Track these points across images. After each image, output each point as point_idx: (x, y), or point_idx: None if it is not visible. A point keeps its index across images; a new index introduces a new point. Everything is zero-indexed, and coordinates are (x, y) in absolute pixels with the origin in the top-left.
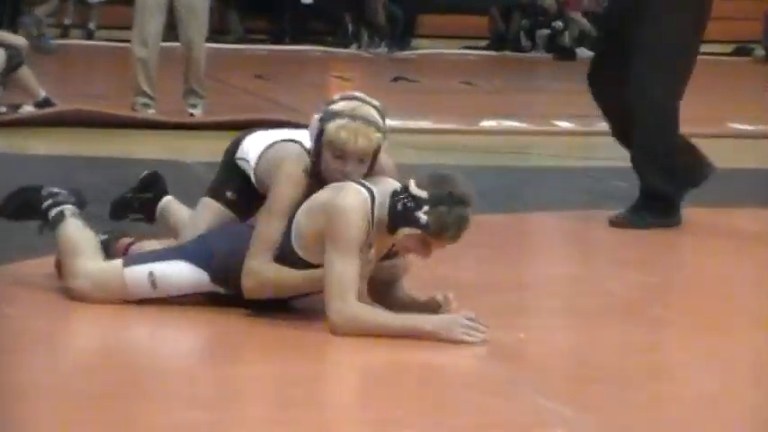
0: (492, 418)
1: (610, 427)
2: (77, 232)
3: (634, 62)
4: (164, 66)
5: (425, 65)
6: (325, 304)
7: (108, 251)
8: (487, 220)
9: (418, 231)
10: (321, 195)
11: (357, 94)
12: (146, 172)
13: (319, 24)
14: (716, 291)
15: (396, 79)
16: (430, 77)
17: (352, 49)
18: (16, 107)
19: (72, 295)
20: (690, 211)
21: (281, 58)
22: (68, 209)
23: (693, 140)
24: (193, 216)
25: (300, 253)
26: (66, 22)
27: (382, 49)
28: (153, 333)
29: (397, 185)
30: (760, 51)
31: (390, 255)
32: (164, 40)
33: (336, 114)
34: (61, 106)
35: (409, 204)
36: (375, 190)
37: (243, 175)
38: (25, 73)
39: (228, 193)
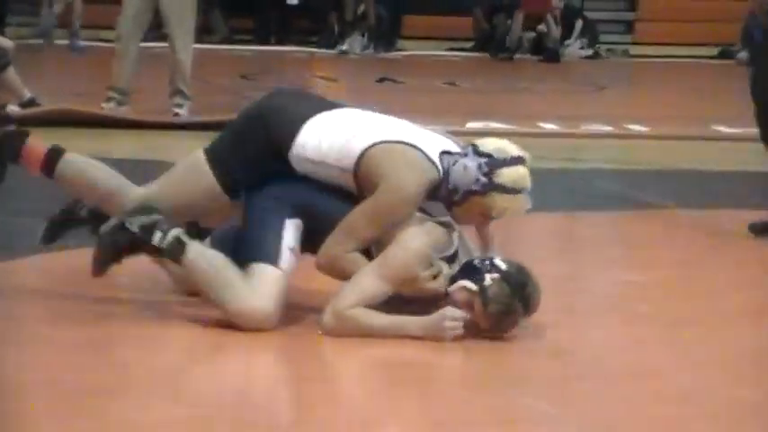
0: (475, 414)
1: (592, 423)
2: (209, 258)
3: None
4: (151, 65)
5: (411, 66)
6: (331, 301)
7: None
8: None
9: (474, 289)
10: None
11: (523, 154)
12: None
13: (305, 24)
14: (698, 289)
15: (381, 80)
16: (415, 78)
17: (338, 50)
18: (1, 107)
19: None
20: (674, 213)
21: (266, 59)
22: (177, 232)
23: (678, 142)
24: (179, 178)
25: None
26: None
27: (369, 50)
28: (144, 330)
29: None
30: (744, 54)
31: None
32: (154, 40)
33: (506, 189)
34: (47, 106)
35: (484, 265)
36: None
37: (274, 166)
38: (11, 74)
39: (239, 185)
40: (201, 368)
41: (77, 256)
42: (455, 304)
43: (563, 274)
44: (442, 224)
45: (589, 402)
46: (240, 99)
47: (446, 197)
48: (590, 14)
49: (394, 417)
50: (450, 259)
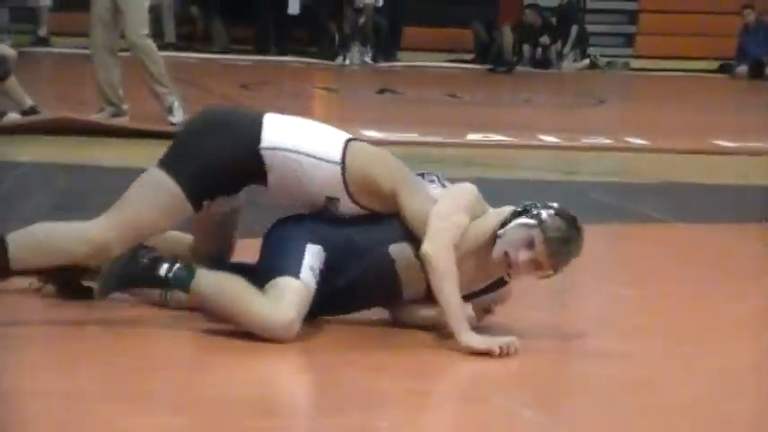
0: (467, 423)
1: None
2: (220, 280)
3: None
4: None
5: (411, 77)
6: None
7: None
8: None
9: (533, 223)
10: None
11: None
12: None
13: (304, 35)
14: (697, 303)
15: (381, 91)
16: (415, 90)
17: (338, 61)
18: (1, 115)
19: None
20: (671, 227)
21: (266, 69)
22: (181, 263)
23: (677, 156)
24: (143, 196)
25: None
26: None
27: (369, 61)
28: (139, 337)
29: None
30: (743, 68)
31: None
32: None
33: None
34: (47, 114)
35: (534, 206)
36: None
37: (250, 169)
38: (12, 83)
39: (208, 200)
40: (202, 375)
41: None
42: (512, 244)
43: (559, 287)
44: None
45: (582, 414)
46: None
47: None
48: (590, 27)
49: (384, 423)
50: None
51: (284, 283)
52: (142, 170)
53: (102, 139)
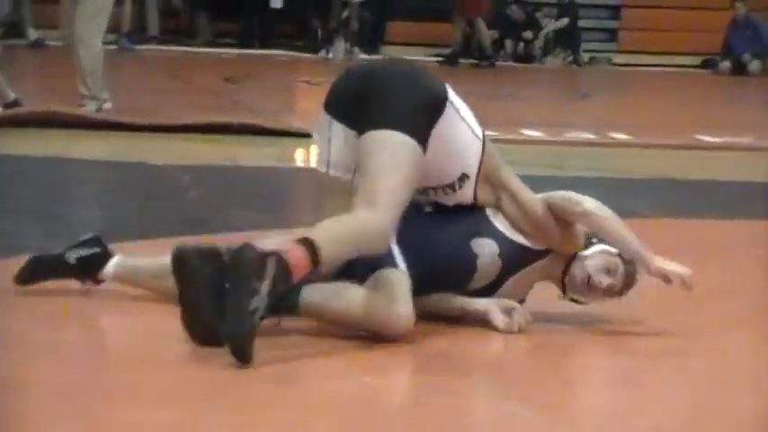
0: (450, 418)
1: (567, 429)
2: (323, 290)
3: None
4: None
5: None
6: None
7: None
8: None
9: (613, 251)
10: None
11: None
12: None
13: (288, 29)
14: (684, 299)
15: None
16: None
17: (322, 54)
18: None
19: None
20: (655, 222)
21: (249, 62)
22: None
23: (661, 151)
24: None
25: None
26: None
27: (352, 55)
28: (130, 331)
29: None
30: (726, 64)
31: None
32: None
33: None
34: (30, 107)
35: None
36: None
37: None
38: None
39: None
40: (193, 371)
41: None
42: (597, 269)
43: (543, 284)
44: None
45: (566, 409)
46: (223, 101)
47: None
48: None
49: (368, 421)
50: None
51: (388, 276)
52: (126, 163)
53: (87, 132)
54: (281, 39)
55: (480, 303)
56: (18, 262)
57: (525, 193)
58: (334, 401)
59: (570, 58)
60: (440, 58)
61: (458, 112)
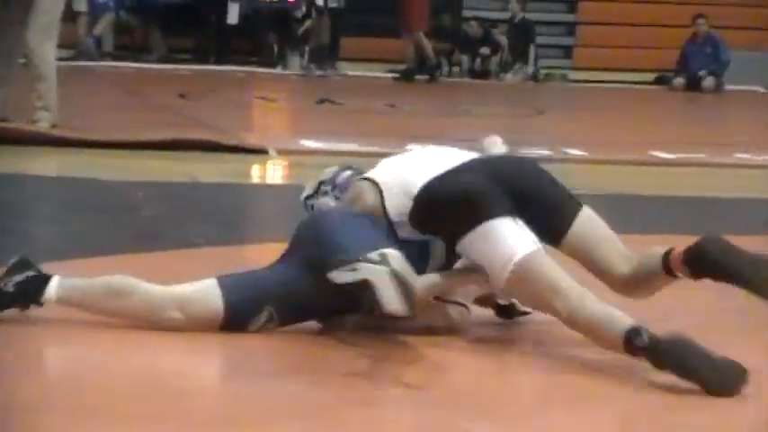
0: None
1: None
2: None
3: None
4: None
5: (350, 87)
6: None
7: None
8: None
9: None
10: None
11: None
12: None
13: (244, 44)
14: (641, 315)
15: (321, 101)
16: (355, 100)
17: (278, 70)
18: None
19: None
20: None
21: (205, 78)
22: None
23: (616, 167)
24: None
25: None
26: None
27: (311, 71)
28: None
29: None
30: (680, 80)
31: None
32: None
33: None
34: None
35: None
36: None
37: None
38: None
39: None
40: (141, 388)
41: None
42: None
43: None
44: None
45: (527, 428)
46: (178, 117)
47: None
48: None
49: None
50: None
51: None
52: (80, 179)
53: (40, 148)
54: (237, 54)
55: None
56: None
57: None
58: (291, 413)
59: (529, 73)
60: (395, 75)
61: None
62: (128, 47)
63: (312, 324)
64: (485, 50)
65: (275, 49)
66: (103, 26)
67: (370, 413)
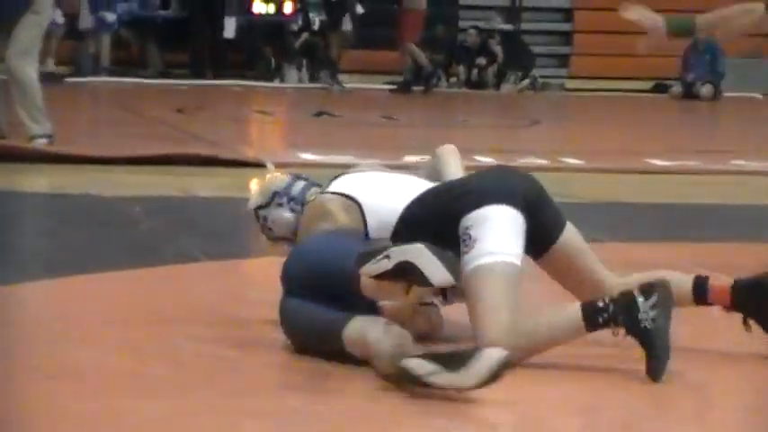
0: None
1: None
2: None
3: None
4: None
5: (347, 99)
6: None
7: None
8: None
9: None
10: None
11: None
12: None
13: (240, 58)
14: None
15: (318, 114)
16: (352, 112)
17: (276, 83)
18: None
19: None
20: (606, 246)
21: (202, 93)
22: None
23: (612, 175)
24: None
25: None
26: None
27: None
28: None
29: None
30: (678, 88)
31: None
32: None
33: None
34: None
35: None
36: None
37: None
38: None
39: None
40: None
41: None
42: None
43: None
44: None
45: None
46: (175, 132)
47: None
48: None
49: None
50: None
51: None
52: (76, 195)
53: (36, 165)
54: (233, 68)
55: None
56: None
57: None
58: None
59: (526, 83)
60: (392, 86)
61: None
62: (124, 62)
63: None
64: (481, 61)
65: (272, 62)
66: (104, 44)
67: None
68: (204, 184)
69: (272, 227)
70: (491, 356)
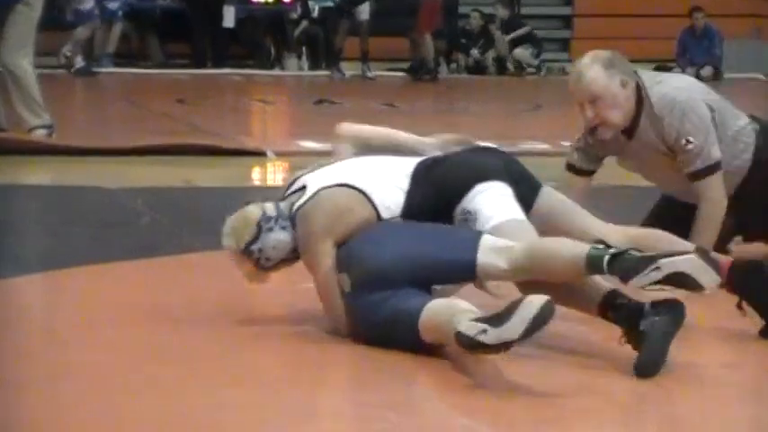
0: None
1: None
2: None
3: None
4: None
5: (348, 87)
6: None
7: None
8: None
9: None
10: None
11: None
12: None
13: (240, 48)
14: None
15: (319, 102)
16: (353, 100)
17: (276, 71)
18: None
19: None
20: None
21: (203, 82)
22: None
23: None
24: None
25: None
26: None
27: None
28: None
29: None
30: (677, 70)
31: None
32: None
33: None
34: None
35: None
36: None
37: None
38: None
39: None
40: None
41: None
42: None
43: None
44: None
45: (523, 424)
46: (177, 123)
47: None
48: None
49: None
50: None
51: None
52: (79, 188)
53: (38, 157)
54: (234, 58)
55: None
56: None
57: None
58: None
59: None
60: (400, 73)
61: None
62: (126, 53)
63: (316, 332)
64: (479, 48)
65: (272, 51)
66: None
67: (363, 413)
68: (205, 175)
69: (270, 255)
70: (532, 303)
